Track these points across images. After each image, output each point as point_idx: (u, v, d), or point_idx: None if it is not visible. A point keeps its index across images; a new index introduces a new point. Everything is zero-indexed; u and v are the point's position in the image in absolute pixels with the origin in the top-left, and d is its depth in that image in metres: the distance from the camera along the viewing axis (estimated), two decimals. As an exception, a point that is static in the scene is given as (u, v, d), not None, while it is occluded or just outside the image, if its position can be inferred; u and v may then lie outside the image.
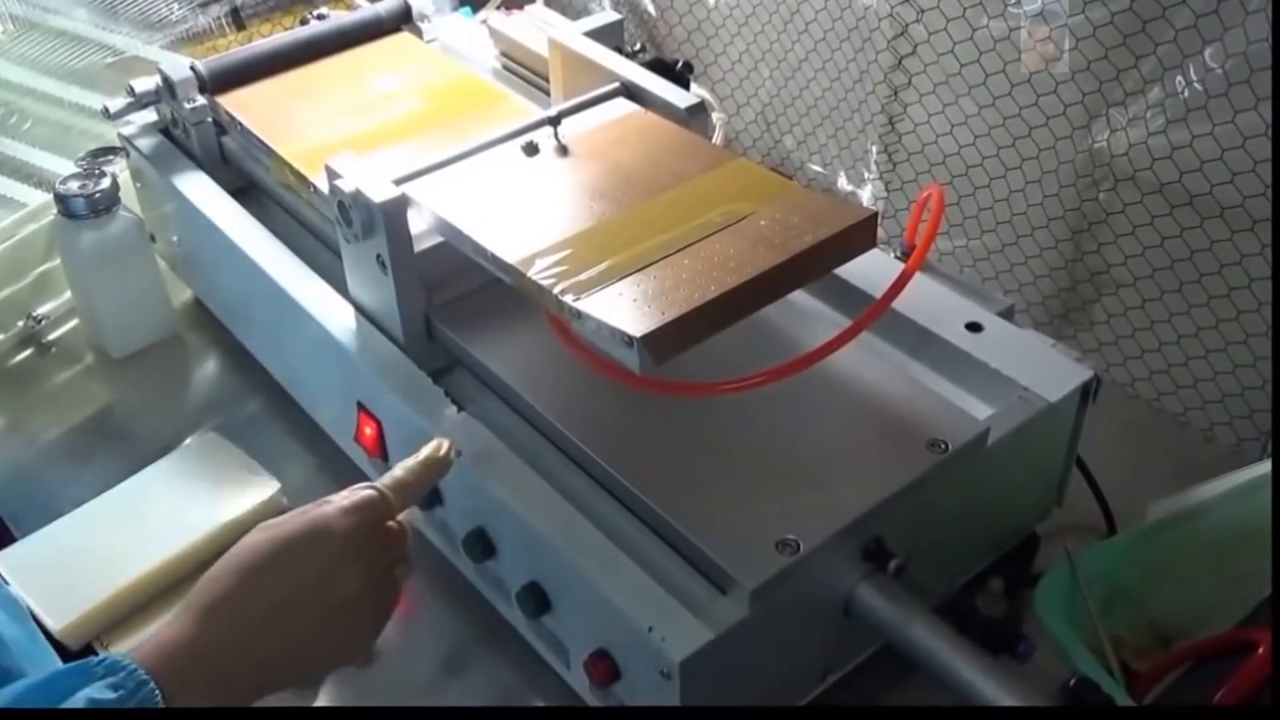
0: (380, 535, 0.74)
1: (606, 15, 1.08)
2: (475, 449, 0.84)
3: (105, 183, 1.11)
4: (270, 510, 1.01)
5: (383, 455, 0.94)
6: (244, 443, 1.06)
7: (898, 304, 0.82)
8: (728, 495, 0.79)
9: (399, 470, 0.79)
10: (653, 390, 0.81)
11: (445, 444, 0.81)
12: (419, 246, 0.89)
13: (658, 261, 0.78)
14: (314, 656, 0.72)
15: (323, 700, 0.87)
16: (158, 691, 0.63)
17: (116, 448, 1.09)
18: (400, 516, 0.77)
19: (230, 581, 0.70)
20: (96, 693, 0.61)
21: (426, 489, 0.81)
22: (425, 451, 0.80)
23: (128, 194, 1.16)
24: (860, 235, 0.80)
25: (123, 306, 1.18)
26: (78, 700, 0.60)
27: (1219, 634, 0.87)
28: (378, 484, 0.77)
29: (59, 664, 0.69)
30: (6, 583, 0.68)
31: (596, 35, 1.05)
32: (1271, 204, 0.98)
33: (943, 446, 0.81)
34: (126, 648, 0.91)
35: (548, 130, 0.94)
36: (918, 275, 0.82)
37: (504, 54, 1.20)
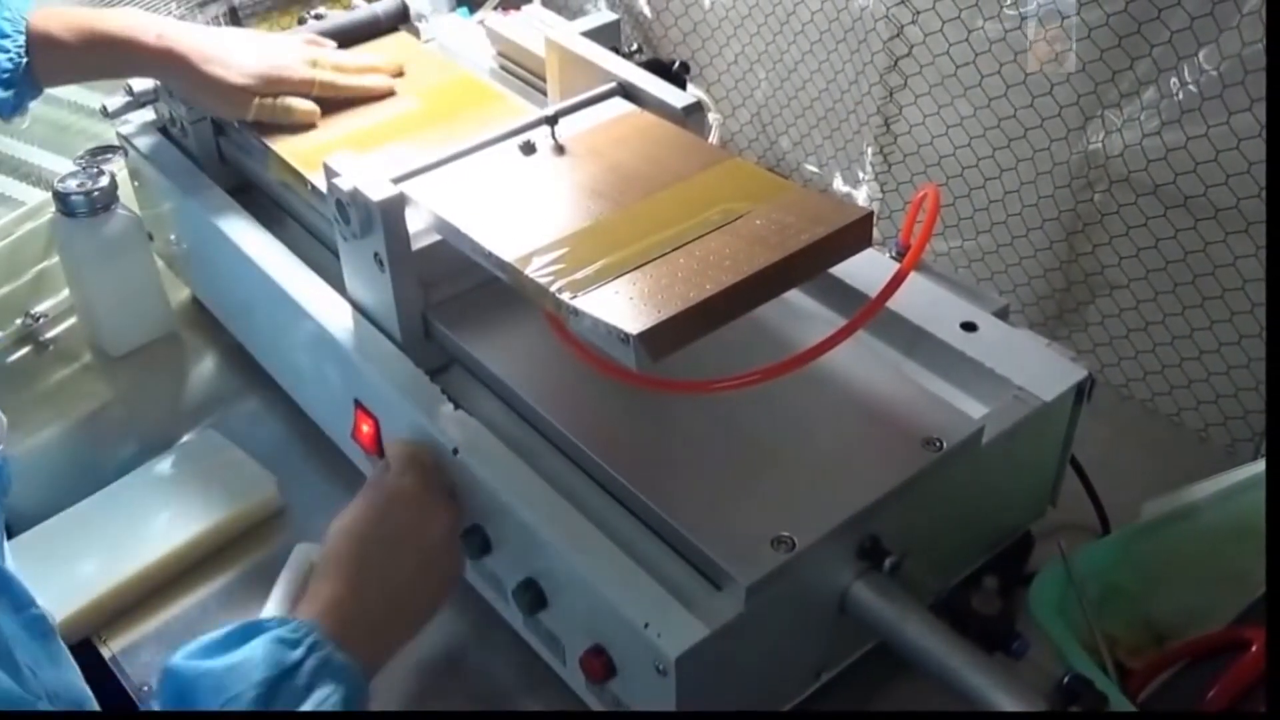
0: (432, 476, 0.84)
1: (603, 15, 1.08)
2: (472, 446, 0.84)
3: (103, 181, 1.12)
4: (267, 507, 1.02)
5: (380, 453, 0.94)
6: (241, 440, 1.06)
7: (893, 303, 0.82)
8: (723, 492, 0.80)
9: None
10: (649, 388, 0.82)
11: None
12: (416, 245, 0.89)
13: (654, 260, 0.78)
14: (428, 597, 0.81)
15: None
16: (338, 650, 0.71)
17: (114, 445, 1.10)
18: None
19: (353, 548, 0.79)
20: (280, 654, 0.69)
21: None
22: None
23: (126, 192, 1.16)
24: (856, 234, 0.81)
25: (121, 304, 1.18)
26: (256, 647, 0.69)
27: (1213, 632, 0.87)
28: (403, 440, 0.87)
29: (81, 681, 0.72)
30: (35, 603, 0.69)
31: (593, 35, 1.06)
32: (1266, 205, 0.98)
33: (938, 445, 0.82)
34: (125, 643, 0.93)
35: (545, 130, 0.94)
36: (913, 275, 0.82)
37: (501, 54, 1.20)
